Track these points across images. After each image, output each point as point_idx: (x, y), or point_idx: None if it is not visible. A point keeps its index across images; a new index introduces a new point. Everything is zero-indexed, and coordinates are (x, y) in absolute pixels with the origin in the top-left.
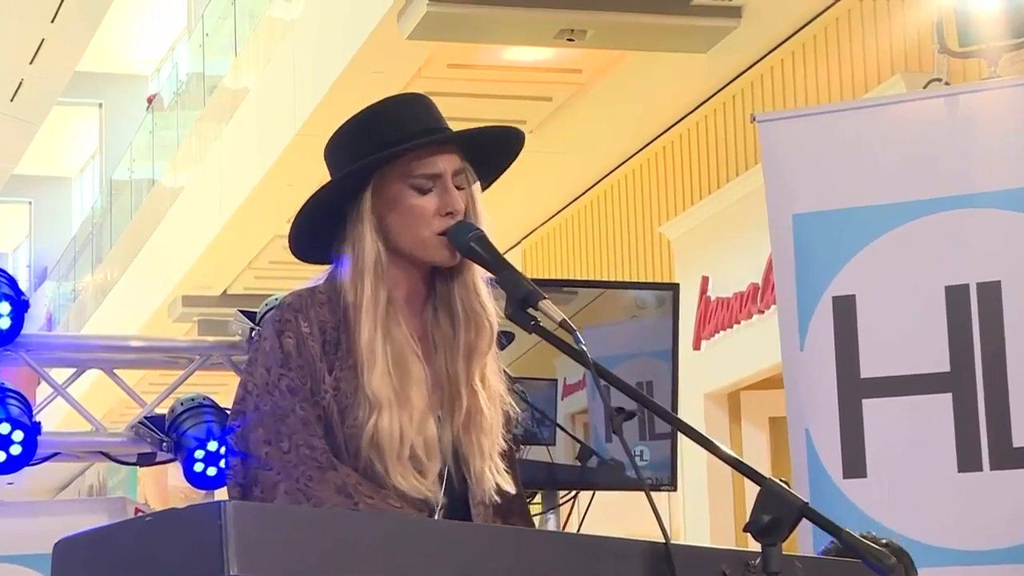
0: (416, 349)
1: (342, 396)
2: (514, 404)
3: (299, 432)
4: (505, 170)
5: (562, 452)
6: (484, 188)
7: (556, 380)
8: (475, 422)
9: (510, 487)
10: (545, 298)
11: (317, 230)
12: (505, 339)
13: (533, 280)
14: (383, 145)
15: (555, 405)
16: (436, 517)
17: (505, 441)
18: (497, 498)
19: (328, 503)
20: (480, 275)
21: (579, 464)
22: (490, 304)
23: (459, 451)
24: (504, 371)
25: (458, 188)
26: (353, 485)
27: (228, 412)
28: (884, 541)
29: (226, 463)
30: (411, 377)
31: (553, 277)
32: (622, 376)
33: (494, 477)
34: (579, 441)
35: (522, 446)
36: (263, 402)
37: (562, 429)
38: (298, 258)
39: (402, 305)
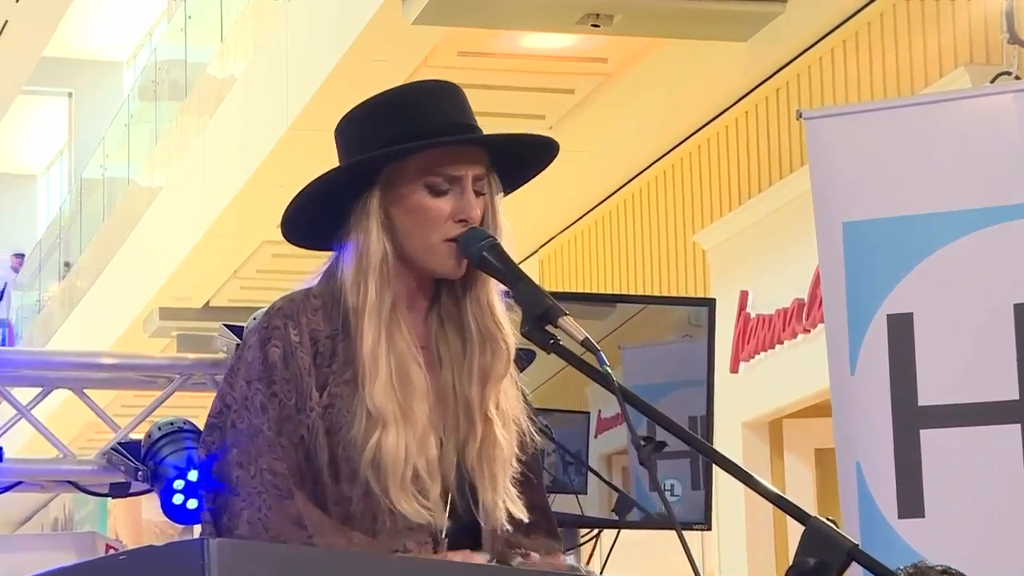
0: (419, 359)
1: (337, 414)
2: (531, 429)
3: (264, 455)
4: (528, 181)
5: (595, 502)
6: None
7: (588, 413)
8: (489, 453)
9: (523, 515)
10: (566, 314)
11: (316, 216)
12: (525, 359)
13: (552, 294)
14: (403, 136)
15: (587, 444)
16: (443, 543)
17: (520, 463)
18: (509, 527)
19: (284, 536)
20: (495, 290)
21: (616, 518)
22: (506, 323)
23: (469, 479)
24: (524, 396)
25: (477, 194)
26: (314, 522)
27: None
28: (939, 568)
29: (200, 502)
30: (415, 390)
31: (573, 290)
32: (671, 411)
33: (506, 506)
34: (617, 489)
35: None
36: (240, 419)
37: (595, 474)
38: (289, 241)
39: (404, 311)
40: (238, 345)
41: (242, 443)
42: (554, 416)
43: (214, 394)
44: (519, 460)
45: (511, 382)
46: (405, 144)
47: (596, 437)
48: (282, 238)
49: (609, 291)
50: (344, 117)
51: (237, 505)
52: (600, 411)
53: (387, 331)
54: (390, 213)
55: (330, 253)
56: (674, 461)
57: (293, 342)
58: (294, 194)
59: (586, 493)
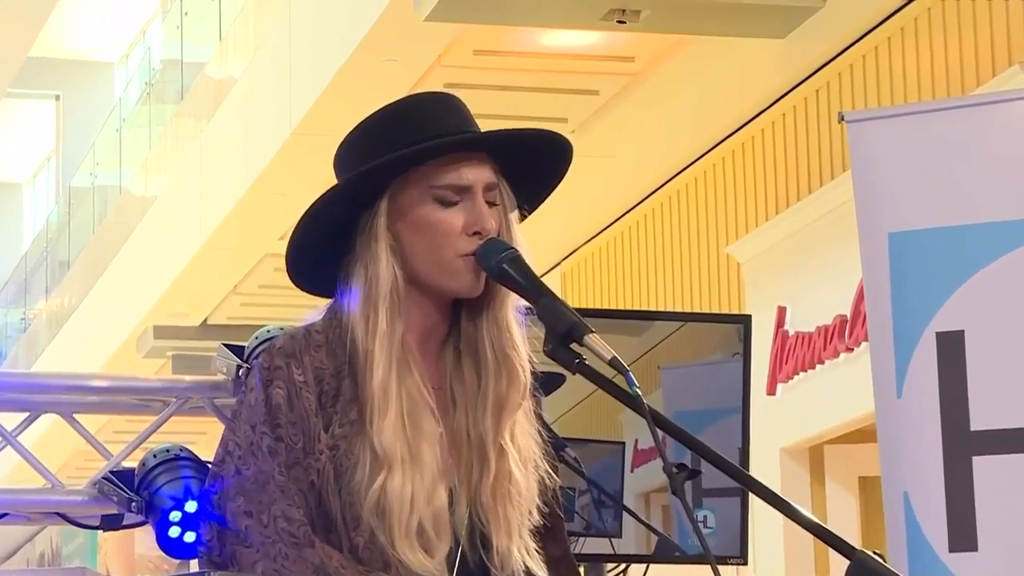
0: (431, 402)
1: (342, 456)
2: (552, 472)
3: (278, 502)
4: (548, 194)
5: (631, 544)
6: (523, 217)
7: (623, 444)
8: (503, 490)
9: (541, 570)
10: (592, 331)
11: (322, 251)
12: (552, 382)
13: (578, 311)
14: (400, 147)
15: (621, 479)
16: None
17: (540, 513)
18: None
19: None
20: (513, 312)
21: (645, 553)
22: (523, 348)
23: (479, 526)
24: (547, 428)
25: (490, 205)
26: (335, 568)
27: (210, 467)
28: None
29: (199, 536)
30: (424, 434)
31: (597, 306)
32: (718, 439)
33: (523, 558)
34: (657, 532)
35: (576, 538)
36: (245, 465)
37: (631, 514)
38: (301, 288)
39: (414, 349)
40: (238, 367)
41: (249, 491)
42: (585, 447)
43: (213, 418)
44: (539, 511)
45: (526, 417)
46: (403, 151)
47: (632, 471)
48: (284, 252)
49: (636, 307)
50: (340, 145)
51: (249, 557)
52: (637, 441)
53: (398, 366)
54: (398, 234)
55: None
56: (722, 499)
57: (297, 382)
58: (297, 207)
59: (621, 536)
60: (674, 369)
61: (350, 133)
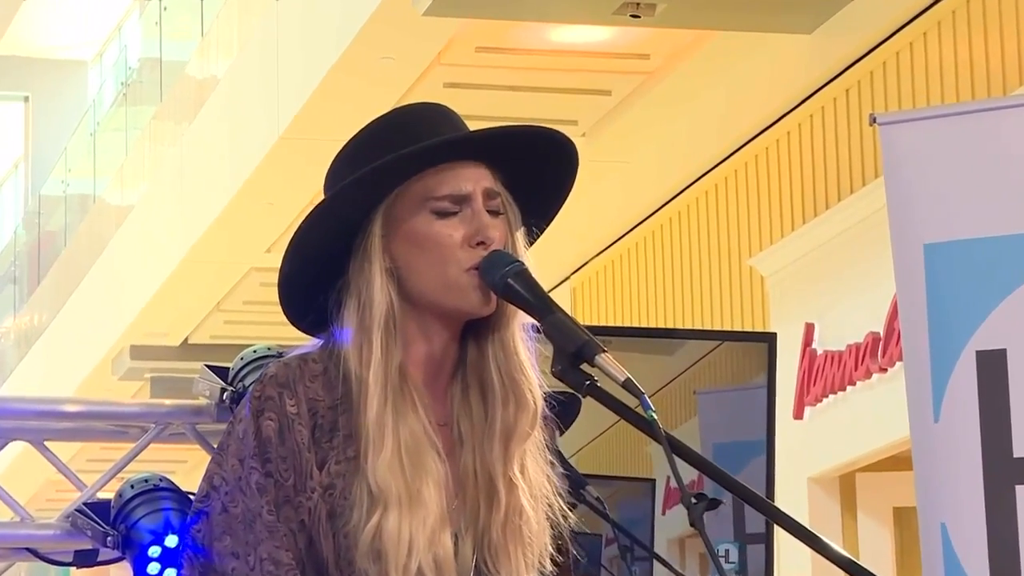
0: (436, 441)
1: (339, 496)
2: (567, 512)
3: (264, 542)
4: (558, 206)
5: None
6: (535, 234)
7: (652, 481)
8: (514, 526)
9: None
10: (604, 351)
11: (320, 288)
12: (569, 410)
13: (592, 329)
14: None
15: (651, 522)
16: None
17: (555, 563)
18: None
19: None
20: (520, 333)
21: None
22: (532, 372)
23: (486, 573)
24: (564, 463)
25: (493, 215)
26: None
27: (191, 498)
28: None
29: (179, 573)
30: (426, 473)
31: (609, 323)
32: (761, 474)
33: None
34: None
35: None
36: (232, 502)
37: (664, 564)
38: (301, 330)
39: (420, 384)
40: (222, 390)
41: (237, 530)
42: (610, 485)
43: (194, 446)
44: (553, 562)
45: (538, 449)
46: (386, 159)
47: (664, 513)
48: (271, 265)
49: (650, 325)
50: (327, 172)
51: None
52: (669, 478)
53: (395, 398)
54: (396, 255)
55: None
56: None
57: (289, 414)
58: (283, 213)
59: None
60: (710, 394)
61: (337, 154)
